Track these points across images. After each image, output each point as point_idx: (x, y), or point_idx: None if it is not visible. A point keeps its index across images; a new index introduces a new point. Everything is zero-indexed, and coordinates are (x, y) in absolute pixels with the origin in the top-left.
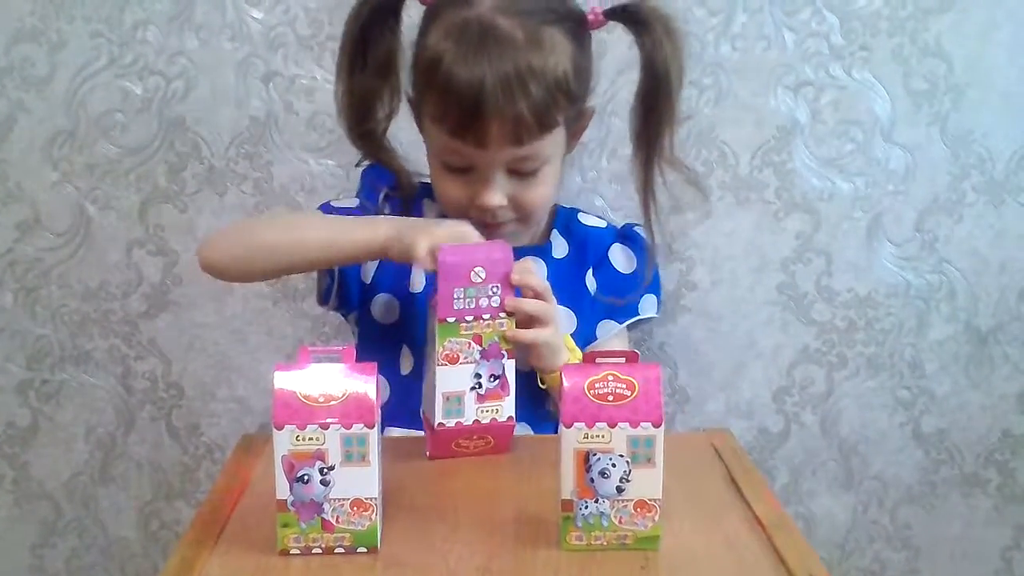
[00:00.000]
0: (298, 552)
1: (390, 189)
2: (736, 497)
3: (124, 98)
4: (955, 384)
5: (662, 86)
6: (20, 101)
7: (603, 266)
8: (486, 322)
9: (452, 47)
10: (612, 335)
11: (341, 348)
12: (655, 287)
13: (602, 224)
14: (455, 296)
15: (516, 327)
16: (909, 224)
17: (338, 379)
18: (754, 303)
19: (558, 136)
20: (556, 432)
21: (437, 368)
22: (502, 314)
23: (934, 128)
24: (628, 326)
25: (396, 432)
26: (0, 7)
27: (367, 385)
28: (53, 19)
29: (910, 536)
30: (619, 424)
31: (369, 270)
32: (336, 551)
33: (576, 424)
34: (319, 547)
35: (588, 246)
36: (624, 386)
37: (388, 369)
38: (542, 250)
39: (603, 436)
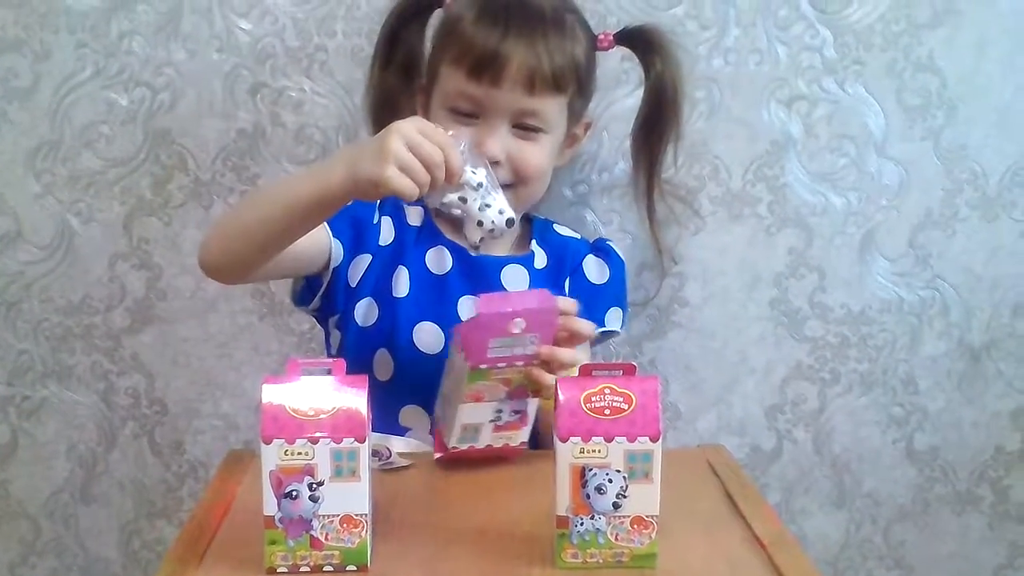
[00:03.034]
0: (285, 570)
1: None
2: (734, 514)
3: (109, 109)
4: (948, 401)
5: (669, 108)
6: (3, 112)
7: (576, 275)
8: (519, 368)
9: (478, 6)
10: None
11: (331, 360)
12: (621, 302)
13: (576, 236)
14: (490, 346)
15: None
16: (902, 239)
17: (328, 392)
18: (746, 319)
19: (562, 111)
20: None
21: (460, 405)
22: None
23: (927, 143)
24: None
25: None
26: None
27: (358, 399)
28: (37, 29)
29: (903, 555)
30: (616, 438)
31: (356, 274)
32: (325, 569)
33: (572, 438)
34: (307, 565)
35: (566, 256)
36: (621, 399)
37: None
38: (525, 259)
39: (599, 451)
